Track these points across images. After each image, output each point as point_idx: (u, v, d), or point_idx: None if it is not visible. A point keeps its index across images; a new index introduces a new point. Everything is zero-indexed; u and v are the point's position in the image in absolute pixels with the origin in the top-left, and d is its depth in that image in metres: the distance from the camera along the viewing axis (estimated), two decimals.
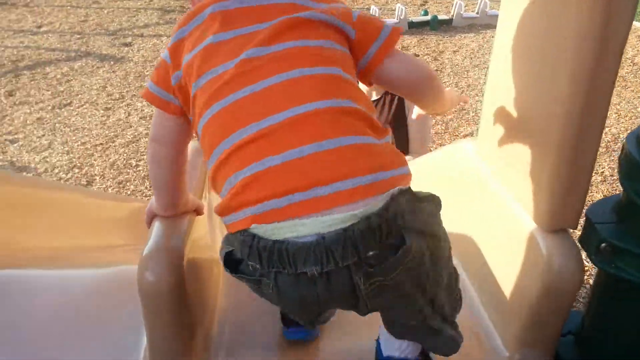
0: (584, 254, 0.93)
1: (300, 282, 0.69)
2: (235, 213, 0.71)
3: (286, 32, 0.77)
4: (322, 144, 0.70)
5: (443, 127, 4.45)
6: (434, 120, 4.37)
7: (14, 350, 0.93)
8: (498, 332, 0.96)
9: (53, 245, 1.63)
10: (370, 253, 0.69)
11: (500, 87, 0.99)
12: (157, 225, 0.86)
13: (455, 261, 1.15)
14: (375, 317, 0.84)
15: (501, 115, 0.99)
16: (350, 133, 0.73)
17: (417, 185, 1.45)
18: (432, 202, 0.86)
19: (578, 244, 0.90)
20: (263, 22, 0.78)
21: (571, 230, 0.87)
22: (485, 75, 5.20)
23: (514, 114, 0.93)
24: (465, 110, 4.64)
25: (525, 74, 0.85)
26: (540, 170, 0.83)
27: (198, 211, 0.90)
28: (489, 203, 1.03)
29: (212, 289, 1.02)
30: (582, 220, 0.95)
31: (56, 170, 4.21)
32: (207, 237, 1.05)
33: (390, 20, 6.22)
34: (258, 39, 0.76)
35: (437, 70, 5.36)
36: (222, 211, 0.72)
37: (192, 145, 1.13)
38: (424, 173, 1.43)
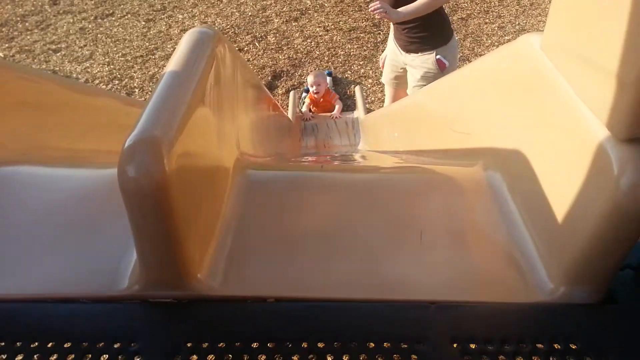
0: None
1: None
2: None
3: None
4: None
5: None
6: None
7: None
8: (542, 261, 0.81)
9: (72, 147, 1.56)
10: None
11: None
12: (146, 111, 0.74)
13: (496, 175, 0.99)
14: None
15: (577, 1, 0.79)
16: None
17: (473, 88, 1.28)
18: None
19: None
20: None
21: None
22: None
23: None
24: (525, 30, 4.23)
25: None
26: (625, 62, 0.64)
27: None
28: (549, 106, 0.84)
29: (215, 192, 0.91)
30: None
31: (97, 81, 4.19)
32: (213, 133, 0.92)
33: None
34: None
35: None
36: None
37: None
38: (476, 75, 1.24)
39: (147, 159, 0.67)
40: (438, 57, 2.37)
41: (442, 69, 2.38)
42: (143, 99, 3.92)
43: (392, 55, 2.67)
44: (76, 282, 0.82)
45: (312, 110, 3.80)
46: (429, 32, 2.33)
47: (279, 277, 0.83)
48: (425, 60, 2.41)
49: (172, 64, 0.85)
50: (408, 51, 2.48)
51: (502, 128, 1.02)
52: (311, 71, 3.96)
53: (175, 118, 0.74)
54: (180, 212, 0.72)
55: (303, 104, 3.86)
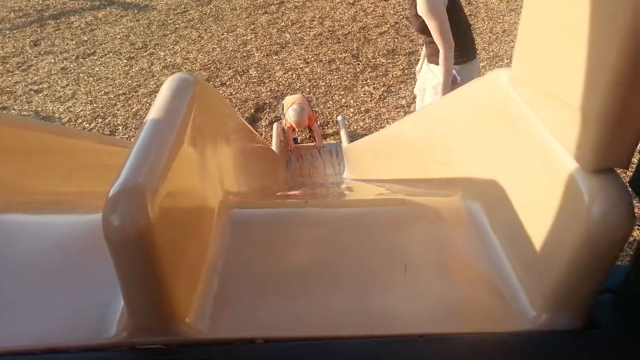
0: (635, 200, 0.77)
1: None
2: None
3: None
4: None
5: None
6: None
7: None
8: (524, 289, 0.83)
9: (55, 191, 1.56)
10: None
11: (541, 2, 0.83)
12: (129, 159, 0.75)
13: (475, 205, 1.02)
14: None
15: (541, 35, 0.83)
16: None
17: (450, 119, 1.32)
18: None
19: (628, 186, 0.74)
20: None
21: (620, 171, 0.72)
22: None
23: (557, 32, 0.77)
24: (499, 56, 4.35)
25: None
26: (587, 97, 0.67)
27: None
28: (520, 139, 0.88)
29: (200, 234, 0.92)
30: (635, 159, 0.79)
31: (80, 120, 4.19)
32: (196, 176, 0.94)
33: None
34: None
35: (470, 14, 5.02)
36: None
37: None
38: (451, 109, 1.28)
39: (131, 208, 0.68)
40: (453, 71, 2.53)
41: (454, 83, 2.53)
42: (127, 136, 3.93)
43: (423, 67, 2.90)
44: (63, 331, 0.81)
45: (294, 131, 3.81)
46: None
47: (267, 317, 0.83)
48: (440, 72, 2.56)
49: (153, 112, 0.87)
50: (431, 62, 2.72)
51: (478, 159, 1.06)
52: (289, 105, 3.69)
53: (158, 165, 0.75)
54: (166, 258, 0.73)
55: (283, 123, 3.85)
